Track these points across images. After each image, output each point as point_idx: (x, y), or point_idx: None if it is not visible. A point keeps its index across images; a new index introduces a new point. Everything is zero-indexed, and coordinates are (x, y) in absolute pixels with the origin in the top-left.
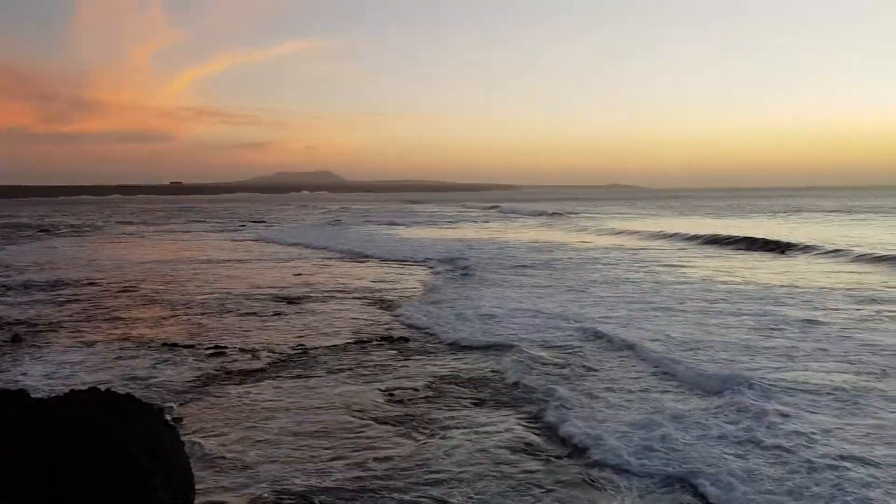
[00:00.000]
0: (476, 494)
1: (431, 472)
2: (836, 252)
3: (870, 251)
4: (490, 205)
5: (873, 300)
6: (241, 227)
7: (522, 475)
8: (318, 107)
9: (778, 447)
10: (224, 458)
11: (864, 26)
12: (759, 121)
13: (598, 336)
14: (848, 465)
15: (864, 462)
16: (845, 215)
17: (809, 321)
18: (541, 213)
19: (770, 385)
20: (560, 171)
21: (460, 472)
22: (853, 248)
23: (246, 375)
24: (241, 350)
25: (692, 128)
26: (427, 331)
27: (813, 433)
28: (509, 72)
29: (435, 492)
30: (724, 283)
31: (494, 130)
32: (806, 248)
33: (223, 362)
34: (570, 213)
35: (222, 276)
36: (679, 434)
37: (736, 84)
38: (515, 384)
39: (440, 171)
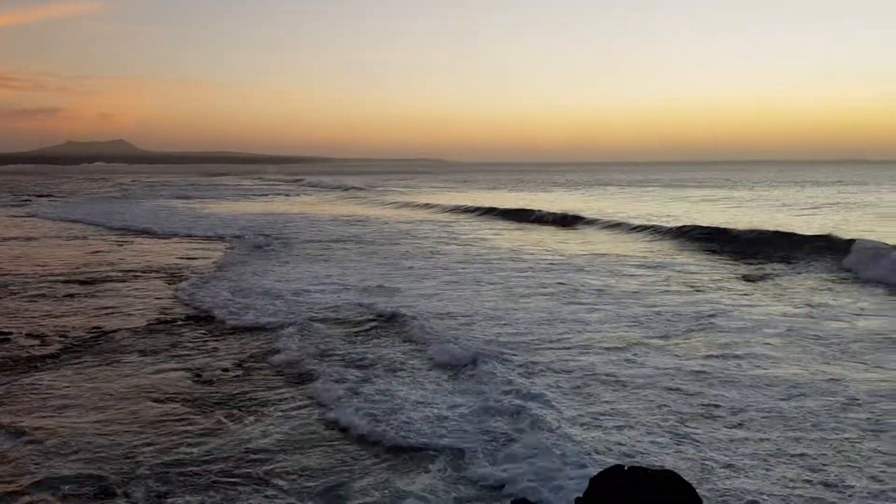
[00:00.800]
0: (296, 472)
1: (250, 453)
2: (620, 224)
3: (647, 223)
4: (294, 178)
5: (662, 267)
6: (26, 202)
7: (336, 452)
8: (114, 72)
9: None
10: (16, 451)
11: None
12: (562, 100)
13: (394, 312)
14: (572, 432)
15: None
16: (633, 188)
17: (606, 287)
18: (347, 187)
19: (543, 347)
20: (370, 143)
21: (279, 451)
22: (632, 220)
23: (38, 362)
24: (29, 336)
25: (500, 104)
26: (230, 308)
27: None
28: (321, 44)
29: (255, 471)
30: (531, 254)
31: (304, 102)
32: (594, 221)
33: (8, 349)
34: (376, 186)
35: (3, 256)
36: (449, 409)
37: (544, 65)
38: (297, 362)
39: (247, 142)
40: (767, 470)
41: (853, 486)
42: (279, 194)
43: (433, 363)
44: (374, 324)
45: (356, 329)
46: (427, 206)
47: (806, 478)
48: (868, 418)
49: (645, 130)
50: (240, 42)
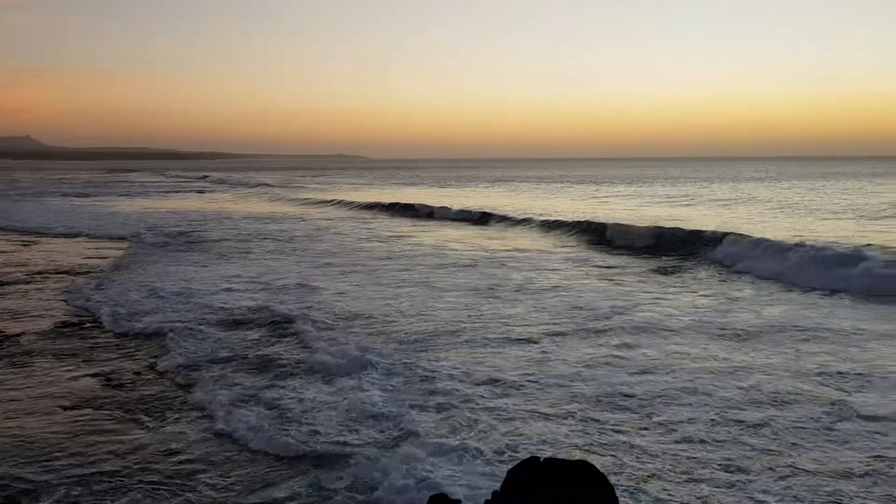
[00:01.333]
0: (221, 478)
1: (168, 456)
2: (530, 220)
3: (562, 218)
4: (201, 174)
5: (577, 261)
6: None
7: (252, 455)
8: (17, 63)
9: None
10: None
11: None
12: (461, 94)
13: (306, 315)
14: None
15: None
16: (543, 184)
17: (528, 281)
18: (259, 184)
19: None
20: (287, 140)
21: (196, 454)
22: (547, 217)
23: None
24: None
25: (414, 100)
26: (138, 310)
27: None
28: (233, 37)
29: (179, 479)
30: (454, 250)
31: (220, 96)
32: (506, 218)
33: None
34: (292, 182)
35: None
36: (358, 409)
37: (448, 60)
38: (206, 366)
39: (161, 137)
40: (675, 456)
41: (751, 470)
42: (192, 191)
43: (337, 366)
44: (287, 326)
45: (267, 330)
46: (345, 203)
47: (712, 463)
48: (771, 402)
49: (585, 127)
50: (153, 34)
